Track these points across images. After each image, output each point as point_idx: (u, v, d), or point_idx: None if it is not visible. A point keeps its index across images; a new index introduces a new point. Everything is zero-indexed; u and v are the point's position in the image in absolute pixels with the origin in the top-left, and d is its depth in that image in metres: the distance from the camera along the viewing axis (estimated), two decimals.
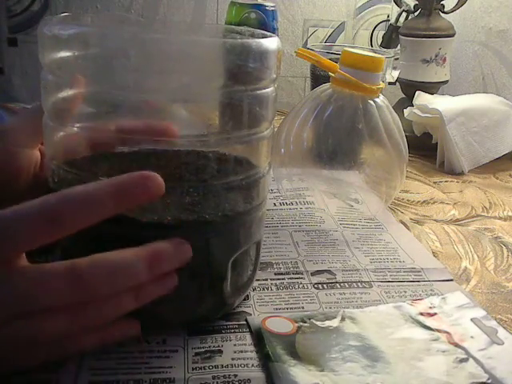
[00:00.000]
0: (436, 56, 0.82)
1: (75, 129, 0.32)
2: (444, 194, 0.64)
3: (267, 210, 0.40)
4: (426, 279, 0.43)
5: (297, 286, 0.41)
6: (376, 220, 0.53)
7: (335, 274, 0.43)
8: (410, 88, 0.85)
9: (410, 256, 0.47)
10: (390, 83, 0.88)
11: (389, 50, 0.89)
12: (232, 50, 0.30)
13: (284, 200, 0.56)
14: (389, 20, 1.04)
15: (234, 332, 0.35)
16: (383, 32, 0.96)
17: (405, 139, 0.50)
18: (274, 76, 0.34)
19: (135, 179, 0.29)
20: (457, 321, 0.37)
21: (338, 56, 0.49)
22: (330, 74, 0.50)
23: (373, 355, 0.33)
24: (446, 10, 0.84)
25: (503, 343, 0.35)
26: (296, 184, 0.56)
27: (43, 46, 0.31)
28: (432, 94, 0.82)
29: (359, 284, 0.42)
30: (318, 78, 0.74)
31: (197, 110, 0.34)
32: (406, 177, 0.54)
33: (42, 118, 0.34)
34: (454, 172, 0.72)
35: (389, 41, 0.90)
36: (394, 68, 0.87)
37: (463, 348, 0.34)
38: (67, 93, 0.32)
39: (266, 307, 0.38)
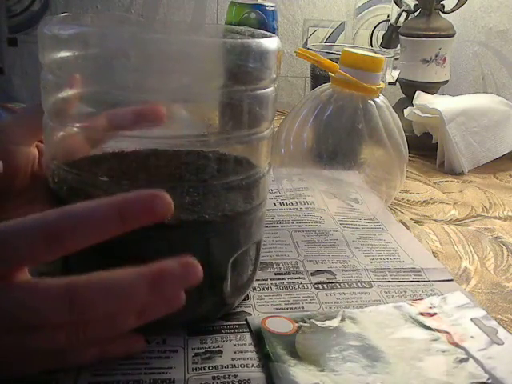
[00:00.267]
0: (436, 56, 0.82)
1: (75, 129, 0.32)
2: (444, 194, 0.64)
3: (267, 209, 0.40)
4: (426, 279, 0.43)
5: (297, 286, 0.41)
6: (376, 220, 0.53)
7: (335, 274, 0.43)
8: (410, 88, 0.85)
9: (410, 256, 0.47)
10: (390, 83, 0.88)
11: (389, 50, 0.89)
12: (232, 50, 0.30)
13: (284, 200, 0.56)
14: (389, 20, 1.04)
15: (234, 332, 0.35)
16: (383, 32, 0.96)
17: (405, 139, 0.50)
18: (274, 76, 0.34)
19: (141, 197, 0.27)
20: (457, 321, 0.37)
21: (338, 56, 0.49)
22: (330, 74, 0.50)
23: (373, 355, 0.33)
24: (446, 9, 0.84)
25: (503, 343, 0.35)
26: (296, 184, 0.56)
27: (43, 46, 0.31)
28: (432, 94, 0.82)
29: (359, 284, 0.42)
30: (318, 77, 0.74)
31: (197, 110, 0.34)
32: (406, 177, 0.54)
33: (42, 118, 0.34)
34: (454, 172, 0.72)
35: (389, 41, 0.90)
36: (394, 68, 0.87)
37: (463, 348, 0.34)
38: (67, 93, 0.32)
39: (266, 307, 0.38)
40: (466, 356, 0.33)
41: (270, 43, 0.32)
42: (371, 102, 0.49)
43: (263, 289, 0.40)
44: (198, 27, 0.48)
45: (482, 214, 0.59)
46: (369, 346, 0.34)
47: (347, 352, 0.33)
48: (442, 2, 0.83)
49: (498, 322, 0.37)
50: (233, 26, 0.41)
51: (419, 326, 0.36)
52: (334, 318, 0.36)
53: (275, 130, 0.38)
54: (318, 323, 0.36)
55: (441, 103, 0.75)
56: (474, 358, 0.33)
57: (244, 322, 0.36)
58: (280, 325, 0.35)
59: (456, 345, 0.34)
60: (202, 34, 0.43)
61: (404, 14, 0.87)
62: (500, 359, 0.33)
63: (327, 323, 0.36)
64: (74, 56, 0.30)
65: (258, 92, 0.33)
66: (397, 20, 0.88)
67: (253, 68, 0.32)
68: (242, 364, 0.32)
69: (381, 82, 0.49)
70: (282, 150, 0.51)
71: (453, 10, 0.84)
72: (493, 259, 0.48)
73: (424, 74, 0.83)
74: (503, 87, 1.03)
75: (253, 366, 0.32)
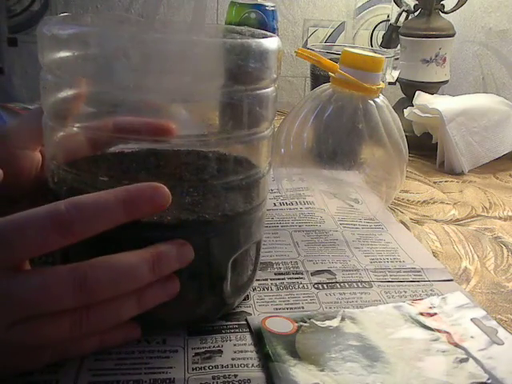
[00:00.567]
0: (436, 56, 0.82)
1: (75, 129, 0.32)
2: (444, 194, 0.64)
3: (267, 209, 0.40)
4: (426, 279, 0.43)
5: (297, 286, 0.41)
6: (376, 220, 0.53)
7: (335, 274, 0.43)
8: (409, 88, 0.85)
9: (410, 256, 0.47)
10: (390, 83, 0.88)
11: (389, 50, 0.89)
12: (232, 50, 0.30)
13: (284, 200, 0.56)
14: (389, 20, 1.04)
15: (234, 332, 0.35)
16: (383, 32, 0.96)
17: (405, 139, 0.50)
18: (274, 76, 0.34)
19: (143, 189, 0.29)
20: (457, 321, 0.37)
21: (338, 56, 0.49)
22: (330, 73, 0.50)
23: (373, 355, 0.33)
24: (446, 9, 0.84)
25: (503, 343, 0.35)
26: (296, 184, 0.56)
27: (43, 46, 0.31)
28: (432, 94, 0.82)
29: (359, 284, 0.42)
30: (318, 77, 0.74)
31: (197, 110, 0.34)
32: (406, 177, 0.54)
33: (42, 118, 0.34)
34: (454, 172, 0.72)
35: (389, 41, 0.90)
36: (394, 68, 0.87)
37: (463, 348, 0.34)
38: (67, 93, 0.32)
39: (266, 307, 0.38)
40: (465, 356, 0.33)
41: (271, 43, 0.32)
42: (371, 102, 0.48)
43: (263, 289, 0.40)
44: (198, 27, 0.48)
45: (482, 214, 0.59)
46: (369, 346, 0.34)
47: (347, 352, 0.33)
48: (442, 2, 0.83)
49: (498, 322, 0.37)
50: (233, 26, 0.41)
51: (419, 326, 0.36)
52: (334, 317, 0.36)
53: (275, 129, 0.38)
54: (318, 323, 0.36)
55: (441, 103, 0.75)
56: (474, 358, 0.33)
57: (244, 322, 0.36)
58: (280, 325, 0.35)
59: (456, 345, 0.34)
60: (202, 34, 0.43)
61: (404, 14, 0.87)
62: (500, 359, 0.33)
63: (327, 323, 0.36)
64: (73, 56, 0.30)
65: (258, 92, 0.33)
66: (397, 20, 0.88)
67: (253, 68, 0.32)
68: (242, 364, 0.32)
69: (381, 82, 0.49)
70: (282, 150, 0.51)
71: (453, 10, 0.84)
72: (493, 259, 0.48)
73: (424, 73, 0.83)
74: (503, 87, 1.03)
75: (253, 365, 0.32)
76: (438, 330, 0.36)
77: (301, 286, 0.41)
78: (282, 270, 0.43)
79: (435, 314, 0.38)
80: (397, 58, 0.88)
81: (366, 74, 0.47)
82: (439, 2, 0.83)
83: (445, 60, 0.83)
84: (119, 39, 0.30)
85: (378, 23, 1.05)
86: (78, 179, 0.32)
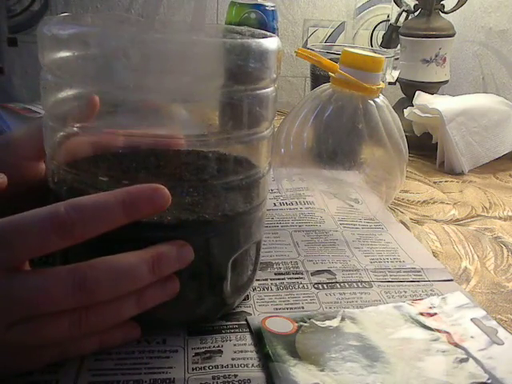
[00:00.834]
0: (436, 56, 0.82)
1: (75, 129, 0.32)
2: (444, 194, 0.64)
3: (267, 209, 0.40)
4: (426, 279, 0.43)
5: (297, 286, 0.41)
6: (376, 220, 0.53)
7: (335, 274, 0.43)
8: (410, 88, 0.85)
9: (410, 256, 0.47)
10: (390, 83, 0.88)
11: (389, 50, 0.89)
12: (232, 50, 0.30)
13: (284, 200, 0.56)
14: (389, 20, 1.04)
15: (234, 332, 0.35)
16: (383, 32, 0.96)
17: (405, 139, 0.50)
18: (274, 76, 0.34)
19: (143, 190, 0.29)
20: (457, 321, 0.37)
21: (338, 56, 0.49)
22: (330, 74, 0.50)
23: (373, 355, 0.33)
24: (446, 9, 0.84)
25: (503, 343, 0.35)
26: (296, 184, 0.56)
27: (43, 46, 0.31)
28: (432, 94, 0.82)
29: (359, 284, 0.42)
30: (318, 77, 0.74)
31: (197, 110, 0.34)
32: (406, 177, 0.54)
33: (42, 118, 0.34)
34: (454, 172, 0.72)
35: (389, 41, 0.90)
36: (394, 68, 0.87)
37: (463, 348, 0.34)
38: (67, 93, 0.32)
39: (266, 307, 0.38)
40: (466, 356, 0.33)
41: (270, 43, 0.32)
42: (371, 102, 0.48)
43: (263, 289, 0.40)
44: (198, 27, 0.48)
45: (482, 214, 0.59)
46: (369, 346, 0.34)
47: (347, 352, 0.33)
48: (442, 2, 0.83)
49: (498, 322, 0.37)
50: (233, 26, 0.41)
51: (419, 326, 0.36)
52: (334, 317, 0.36)
53: (275, 129, 0.38)
54: (318, 323, 0.36)
55: (441, 103, 0.75)
56: (474, 358, 0.33)
57: (244, 322, 0.36)
58: (280, 325, 0.35)
59: (456, 345, 0.34)
60: (202, 34, 0.43)
61: (404, 14, 0.87)
62: (500, 359, 0.33)
63: (327, 323, 0.36)
64: (73, 56, 0.30)
65: (258, 92, 0.33)
66: (397, 20, 0.88)
67: (253, 68, 0.32)
68: (242, 364, 0.32)
69: (381, 82, 0.49)
70: (282, 150, 0.51)
71: (453, 10, 0.84)
72: (493, 259, 0.48)
73: (424, 73, 0.83)
74: (503, 87, 1.03)
75: (253, 365, 0.32)
76: (438, 330, 0.36)
77: (301, 286, 0.41)
78: (281, 269, 0.43)
79: (435, 314, 0.38)
80: (397, 58, 0.88)
81: (366, 74, 0.47)
82: (439, 2, 0.83)
83: (445, 60, 0.83)
84: (119, 39, 0.30)
85: (378, 23, 1.05)
86: (77, 179, 0.32)
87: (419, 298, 0.40)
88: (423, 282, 0.43)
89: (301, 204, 0.56)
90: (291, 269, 0.43)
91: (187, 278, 0.32)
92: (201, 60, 0.31)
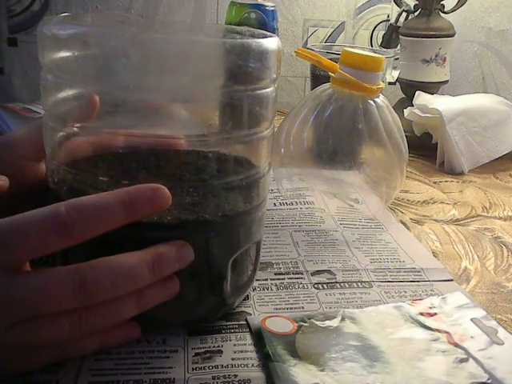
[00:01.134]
0: (436, 56, 0.82)
1: (75, 129, 0.32)
2: (444, 194, 0.64)
3: (267, 209, 0.40)
4: (426, 279, 0.43)
5: (297, 286, 0.41)
6: (376, 220, 0.53)
7: (335, 274, 0.43)
8: (410, 88, 0.85)
9: (410, 256, 0.47)
10: (390, 83, 0.88)
11: (389, 50, 0.89)
12: (232, 50, 0.30)
13: (284, 200, 0.56)
14: (389, 20, 1.04)
15: (234, 332, 0.35)
16: (383, 32, 0.96)
17: (405, 139, 0.50)
18: (274, 76, 0.34)
19: (143, 191, 0.29)
20: (457, 321, 0.37)
21: (338, 56, 0.49)
22: (330, 73, 0.50)
23: (373, 355, 0.33)
24: (446, 9, 0.84)
25: (503, 343, 0.35)
26: (296, 184, 0.56)
27: (43, 46, 0.31)
28: (432, 94, 0.82)
29: (359, 284, 0.42)
30: (318, 77, 0.74)
31: (197, 110, 0.34)
32: (406, 177, 0.54)
33: (42, 118, 0.34)
34: (454, 172, 0.72)
35: (389, 41, 0.90)
36: (394, 68, 0.87)
37: (463, 348, 0.34)
38: (67, 93, 0.32)
39: (266, 307, 0.38)
40: (465, 356, 0.33)
41: (270, 43, 0.32)
42: (371, 102, 0.48)
43: (263, 289, 0.40)
44: (198, 27, 0.48)
45: (482, 214, 0.59)
46: (369, 346, 0.34)
47: (347, 352, 0.33)
48: (442, 2, 0.83)
49: (498, 322, 0.37)
50: (233, 26, 0.41)
51: (419, 326, 0.36)
52: (334, 317, 0.36)
53: (275, 129, 0.38)
54: (318, 323, 0.36)
55: (441, 103, 0.75)
56: (474, 358, 0.33)
57: (244, 322, 0.36)
58: (280, 325, 0.35)
59: (456, 345, 0.34)
60: (202, 34, 0.43)
61: (404, 14, 0.87)
62: (500, 359, 0.33)
63: (327, 323, 0.36)
64: (73, 56, 0.30)
65: (258, 92, 0.33)
66: (397, 20, 0.88)
67: (253, 68, 0.32)
68: (242, 364, 0.32)
69: (381, 82, 0.49)
70: (282, 150, 0.51)
71: (453, 10, 0.84)
72: (493, 259, 0.48)
73: (424, 73, 0.83)
74: (503, 87, 1.03)
75: (253, 365, 0.32)
76: (438, 330, 0.36)
77: (301, 286, 0.41)
78: (282, 269, 0.43)
79: (435, 314, 0.38)
80: (397, 58, 0.88)
81: (365, 74, 0.47)
82: (439, 2, 0.83)
83: (445, 60, 0.83)
84: (119, 39, 0.30)
85: (378, 23, 1.05)
86: (78, 179, 0.32)
87: (419, 298, 0.40)
88: (423, 282, 0.43)
89: (301, 204, 0.56)
90: (291, 269, 0.43)
91: (187, 278, 0.32)
92: (201, 60, 0.31)
